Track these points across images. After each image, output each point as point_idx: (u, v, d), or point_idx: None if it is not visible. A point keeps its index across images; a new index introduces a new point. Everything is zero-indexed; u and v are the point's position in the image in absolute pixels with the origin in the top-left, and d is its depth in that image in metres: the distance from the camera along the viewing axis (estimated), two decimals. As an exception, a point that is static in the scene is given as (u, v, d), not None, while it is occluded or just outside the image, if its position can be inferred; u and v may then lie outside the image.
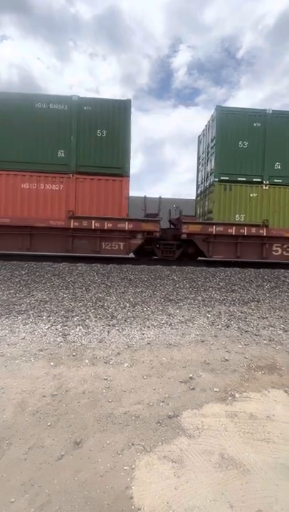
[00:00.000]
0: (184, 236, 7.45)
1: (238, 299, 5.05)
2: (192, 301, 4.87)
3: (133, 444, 1.75)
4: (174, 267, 6.90)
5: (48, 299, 4.69)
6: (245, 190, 7.65)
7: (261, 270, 6.86)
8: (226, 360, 2.92)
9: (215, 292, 5.36)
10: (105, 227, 7.09)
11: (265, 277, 6.32)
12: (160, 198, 8.21)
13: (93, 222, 7.06)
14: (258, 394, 2.34)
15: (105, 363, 2.79)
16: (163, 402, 2.19)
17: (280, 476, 1.55)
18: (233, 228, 7.45)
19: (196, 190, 10.07)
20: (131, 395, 2.26)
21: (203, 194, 9.10)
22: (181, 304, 4.69)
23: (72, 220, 7.03)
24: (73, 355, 2.91)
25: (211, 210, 7.98)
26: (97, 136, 7.20)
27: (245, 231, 7.47)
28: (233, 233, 7.46)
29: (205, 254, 7.66)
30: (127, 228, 7.17)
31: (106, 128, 7.21)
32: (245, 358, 2.99)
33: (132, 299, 4.80)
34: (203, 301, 4.90)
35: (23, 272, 5.94)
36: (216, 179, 7.67)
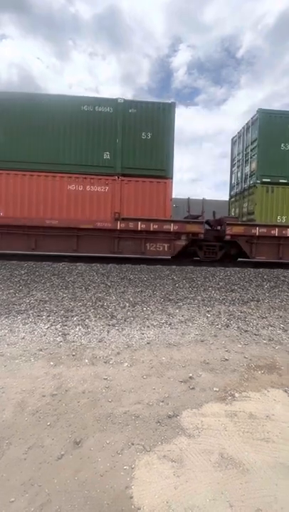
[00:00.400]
0: (227, 237, 7.48)
1: (238, 299, 5.05)
2: (192, 300, 4.87)
3: (133, 444, 1.75)
4: (174, 266, 6.90)
5: (47, 298, 4.69)
6: (287, 192, 7.71)
7: (261, 270, 6.86)
8: (226, 359, 2.92)
9: (214, 292, 5.36)
10: (151, 229, 7.14)
11: (265, 277, 6.33)
12: (204, 199, 8.31)
13: (139, 223, 7.10)
14: (257, 393, 2.34)
15: (105, 362, 2.79)
16: (163, 401, 2.19)
17: (279, 476, 1.55)
18: (276, 230, 7.52)
19: (230, 192, 10.13)
20: (131, 395, 2.26)
21: (240, 195, 9.14)
22: (181, 304, 4.69)
23: (118, 222, 7.09)
24: (73, 355, 2.91)
25: (252, 212, 8.06)
26: (141, 138, 7.26)
27: (287, 232, 7.53)
28: (276, 234, 7.51)
29: (247, 256, 7.73)
30: (172, 230, 7.21)
31: (150, 130, 7.27)
32: (245, 357, 2.99)
33: (131, 299, 4.80)
34: (202, 300, 4.90)
35: (23, 272, 5.93)
36: (258, 181, 7.73)
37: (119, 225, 7.07)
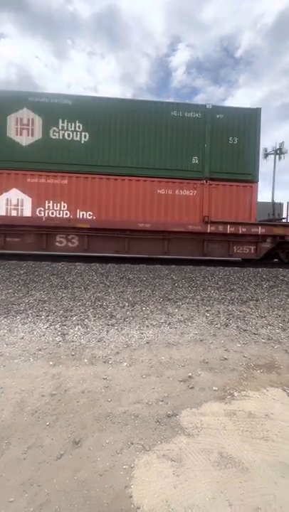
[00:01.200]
0: None
1: (237, 298, 5.06)
2: (191, 300, 4.88)
3: (132, 443, 1.75)
4: (173, 266, 6.91)
5: (46, 298, 4.68)
6: None
7: (260, 269, 6.88)
8: (225, 359, 2.92)
9: (214, 291, 5.36)
10: (240, 232, 7.27)
11: (264, 276, 6.34)
12: (288, 203, 8.54)
13: (228, 226, 7.24)
14: (256, 393, 2.35)
15: (104, 362, 2.79)
16: (162, 401, 2.19)
17: (278, 474, 1.56)
18: None
19: None
20: (130, 394, 2.26)
21: None
22: (180, 304, 4.70)
23: (208, 225, 7.22)
24: (72, 355, 2.91)
25: None
26: (229, 143, 7.43)
27: None
28: None
29: None
30: (259, 232, 7.35)
31: (237, 135, 7.43)
32: (244, 356, 2.99)
33: (130, 299, 4.80)
34: (202, 300, 4.90)
35: (22, 272, 5.92)
36: None
37: (209, 228, 7.21)
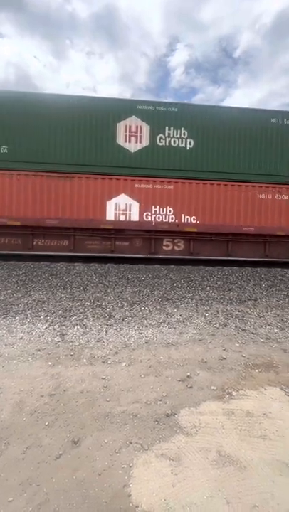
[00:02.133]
0: None
1: (236, 298, 5.07)
2: (190, 300, 4.89)
3: (131, 443, 1.76)
4: (172, 266, 6.92)
5: (45, 298, 4.68)
6: None
7: (258, 269, 6.90)
8: (224, 358, 2.94)
9: (212, 291, 5.38)
10: None
11: (262, 276, 6.36)
12: None
13: None
14: (254, 392, 2.36)
15: (103, 362, 2.79)
16: (161, 400, 2.20)
17: (276, 473, 1.57)
18: None
19: None
20: (129, 394, 2.27)
21: None
22: (179, 303, 4.71)
23: None
24: (71, 355, 2.91)
25: None
26: None
27: None
28: None
29: None
30: None
31: None
32: (242, 356, 3.01)
33: (129, 299, 4.81)
34: (200, 300, 4.92)
35: (21, 272, 5.92)
36: None
37: None
